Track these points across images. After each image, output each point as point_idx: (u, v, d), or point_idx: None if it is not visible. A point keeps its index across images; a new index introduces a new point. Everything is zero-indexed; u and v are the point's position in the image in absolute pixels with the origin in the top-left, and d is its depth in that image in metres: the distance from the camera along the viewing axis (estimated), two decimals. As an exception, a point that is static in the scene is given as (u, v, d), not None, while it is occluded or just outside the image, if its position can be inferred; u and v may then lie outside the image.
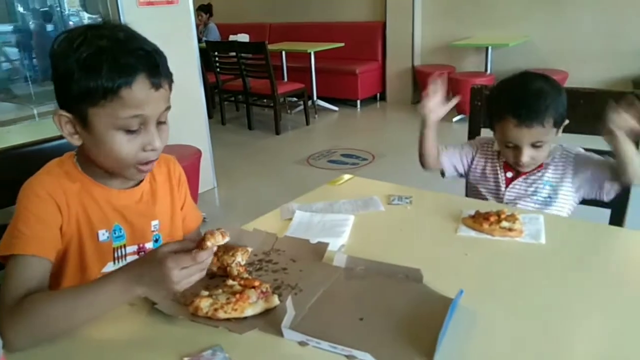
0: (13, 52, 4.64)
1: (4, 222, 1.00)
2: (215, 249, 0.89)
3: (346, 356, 0.79)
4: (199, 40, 4.43)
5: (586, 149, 1.53)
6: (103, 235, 1.07)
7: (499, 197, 1.57)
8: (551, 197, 1.50)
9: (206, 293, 0.92)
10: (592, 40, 5.06)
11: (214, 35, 6.94)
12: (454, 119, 5.07)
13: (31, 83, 4.07)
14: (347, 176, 1.60)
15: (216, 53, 5.71)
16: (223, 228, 0.90)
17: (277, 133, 5.40)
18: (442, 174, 1.67)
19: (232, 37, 6.39)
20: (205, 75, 4.90)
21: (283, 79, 6.21)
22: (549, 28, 5.35)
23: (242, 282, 0.95)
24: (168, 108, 1.00)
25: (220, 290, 0.92)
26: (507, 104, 1.42)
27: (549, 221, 1.24)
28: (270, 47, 5.29)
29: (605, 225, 1.43)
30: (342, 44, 6.10)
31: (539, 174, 1.51)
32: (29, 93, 3.94)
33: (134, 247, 1.11)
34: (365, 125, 5.97)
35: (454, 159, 1.64)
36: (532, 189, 1.52)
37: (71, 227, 1.02)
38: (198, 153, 3.28)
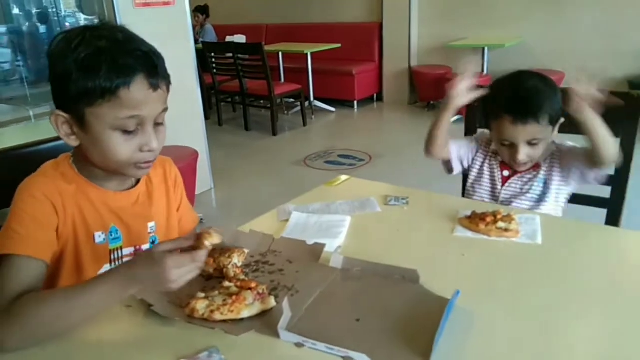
0: (9, 53, 4.62)
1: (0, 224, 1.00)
2: (210, 247, 0.89)
3: (342, 357, 0.79)
4: (196, 42, 4.43)
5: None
6: (99, 237, 1.07)
7: (494, 196, 1.58)
8: (544, 193, 1.51)
9: (202, 295, 0.92)
10: (589, 40, 5.08)
11: (211, 36, 6.93)
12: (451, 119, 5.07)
13: (27, 84, 4.06)
14: (344, 177, 1.60)
15: (213, 54, 5.71)
16: (214, 227, 0.91)
17: (274, 134, 5.40)
18: (449, 170, 1.65)
19: (228, 38, 6.39)
20: (202, 76, 4.90)
21: (280, 79, 6.21)
22: (545, 29, 5.37)
23: (238, 283, 0.95)
24: (165, 109, 1.01)
25: (216, 292, 0.92)
26: (503, 102, 1.43)
27: (545, 221, 1.24)
28: (267, 48, 5.28)
29: (601, 226, 1.44)
30: (339, 45, 6.10)
31: (534, 172, 1.52)
32: (25, 94, 3.92)
33: (131, 249, 1.11)
34: (362, 126, 5.97)
35: (462, 151, 1.63)
36: (527, 187, 1.53)
37: (67, 229, 1.02)
38: (195, 154, 3.28)
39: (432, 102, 6.07)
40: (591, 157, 1.39)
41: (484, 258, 1.12)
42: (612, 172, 1.54)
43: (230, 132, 5.73)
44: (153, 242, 1.14)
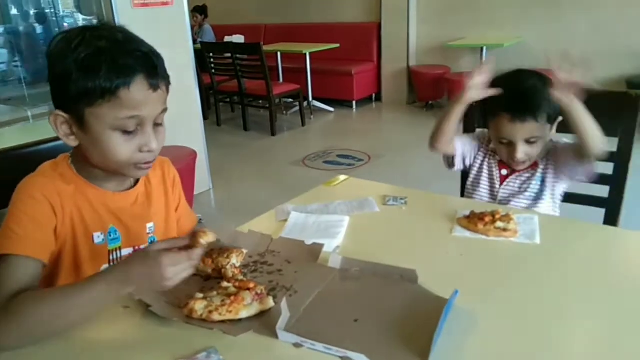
0: (7, 54, 4.62)
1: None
2: (206, 245, 0.90)
3: (341, 357, 0.79)
4: (194, 42, 4.43)
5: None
6: (98, 237, 1.07)
7: (493, 195, 1.58)
8: (542, 191, 1.52)
9: (201, 295, 0.91)
10: (587, 40, 5.08)
11: (209, 36, 6.93)
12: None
13: (25, 85, 4.06)
14: (342, 177, 1.60)
15: (211, 54, 5.70)
16: (208, 227, 0.91)
17: (273, 134, 5.40)
18: (450, 164, 1.64)
19: (227, 38, 6.39)
20: (201, 76, 4.91)
21: (278, 80, 6.21)
22: (543, 28, 5.37)
23: (236, 284, 0.94)
24: (165, 110, 1.01)
25: (214, 293, 0.92)
26: (500, 100, 1.43)
27: (543, 221, 1.25)
28: (265, 48, 5.28)
29: (599, 225, 1.44)
30: (338, 45, 6.10)
31: (532, 171, 1.53)
32: (23, 95, 3.92)
33: (129, 250, 1.11)
34: (361, 125, 5.97)
35: (466, 148, 1.62)
36: (525, 186, 1.53)
37: (65, 229, 1.02)
38: (193, 154, 3.28)
39: (430, 102, 6.07)
40: (579, 150, 1.39)
41: (483, 258, 1.12)
42: (610, 171, 1.55)
43: (228, 132, 5.73)
44: (152, 243, 1.14)
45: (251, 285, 0.93)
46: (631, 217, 1.62)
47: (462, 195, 1.70)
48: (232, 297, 0.89)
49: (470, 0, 5.77)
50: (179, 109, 3.08)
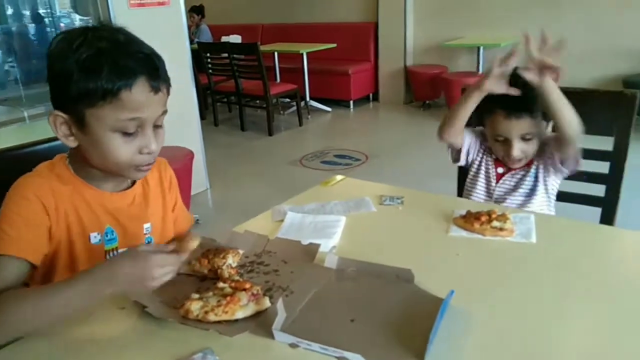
0: (3, 54, 4.61)
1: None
2: (192, 249, 0.93)
3: (337, 358, 0.79)
4: (191, 42, 4.42)
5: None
6: (95, 237, 1.06)
7: (489, 193, 1.58)
8: (535, 187, 1.53)
9: (197, 296, 0.91)
10: (583, 40, 5.08)
11: (206, 36, 6.92)
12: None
13: (21, 85, 4.05)
14: (339, 177, 1.60)
15: (208, 54, 5.70)
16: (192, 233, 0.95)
17: (270, 134, 5.40)
18: (455, 159, 1.64)
19: (224, 38, 6.38)
20: (198, 76, 4.89)
21: (275, 79, 6.21)
22: (540, 28, 5.36)
23: (233, 284, 0.94)
24: (165, 112, 1.01)
25: (210, 293, 0.92)
26: (496, 97, 1.43)
27: (539, 220, 1.25)
28: (262, 48, 5.28)
29: (595, 224, 1.44)
30: (335, 45, 6.10)
31: (527, 169, 1.53)
32: (20, 95, 3.92)
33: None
34: (358, 125, 5.97)
35: (472, 141, 1.62)
36: (520, 183, 1.54)
37: (60, 229, 1.02)
38: (190, 154, 3.27)
39: (427, 102, 6.08)
40: (559, 139, 1.40)
41: (479, 257, 1.12)
42: (606, 170, 1.55)
43: (226, 132, 5.72)
44: (149, 243, 1.14)
45: (247, 285, 0.93)
46: (627, 216, 1.63)
47: (460, 194, 1.70)
48: (228, 298, 0.89)
49: (467, 0, 5.77)
50: (176, 109, 3.07)
